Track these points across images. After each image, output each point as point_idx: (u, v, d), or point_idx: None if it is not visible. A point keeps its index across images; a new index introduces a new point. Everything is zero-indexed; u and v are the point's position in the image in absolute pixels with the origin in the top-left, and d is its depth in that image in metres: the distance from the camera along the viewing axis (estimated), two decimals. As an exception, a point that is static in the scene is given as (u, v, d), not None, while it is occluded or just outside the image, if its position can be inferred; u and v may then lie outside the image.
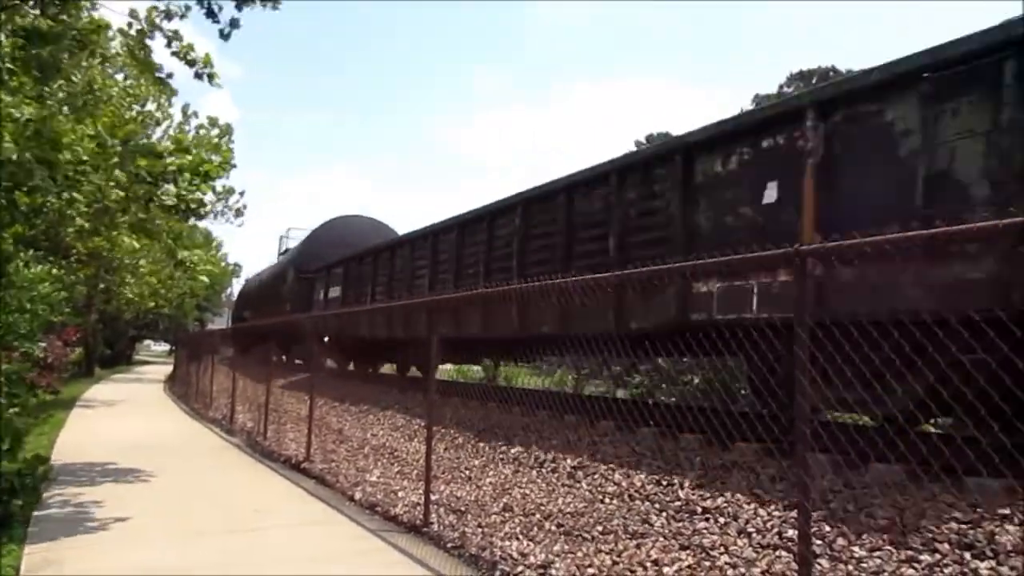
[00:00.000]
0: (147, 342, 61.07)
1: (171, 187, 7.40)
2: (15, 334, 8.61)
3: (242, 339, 18.95)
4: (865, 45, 79.12)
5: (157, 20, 6.73)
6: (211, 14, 6.35)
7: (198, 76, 6.80)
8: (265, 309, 24.41)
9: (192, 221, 9.54)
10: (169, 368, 32.14)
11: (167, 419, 14.46)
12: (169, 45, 6.72)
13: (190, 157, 7.86)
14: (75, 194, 7.31)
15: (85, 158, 6.81)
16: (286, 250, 29.94)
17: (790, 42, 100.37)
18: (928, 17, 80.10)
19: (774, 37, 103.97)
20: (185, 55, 6.72)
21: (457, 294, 8.83)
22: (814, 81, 36.89)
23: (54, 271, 11.08)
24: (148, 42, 6.87)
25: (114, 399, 17.87)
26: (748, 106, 39.33)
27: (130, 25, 6.80)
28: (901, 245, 2.88)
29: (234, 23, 6.42)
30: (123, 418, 13.94)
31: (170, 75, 7.37)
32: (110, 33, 7.08)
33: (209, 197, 8.10)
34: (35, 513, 6.02)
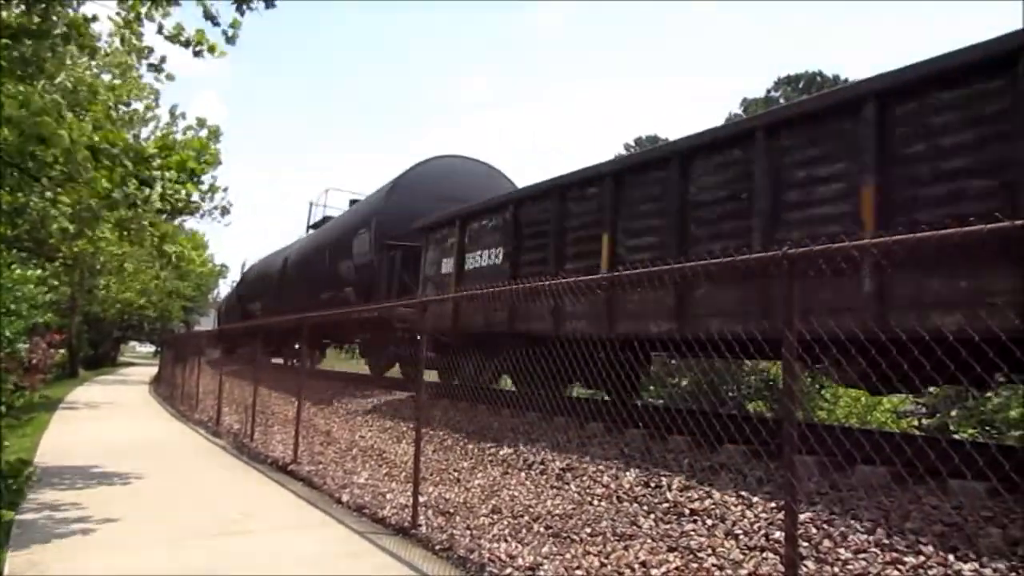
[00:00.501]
0: (132, 343, 60.58)
1: (156, 190, 7.30)
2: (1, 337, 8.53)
3: (271, 339, 15.26)
4: (853, 49, 79.79)
5: (143, 10, 6.67)
6: (209, 17, 6.30)
7: (197, 54, 6.73)
8: (299, 298, 18.50)
9: (179, 220, 9.40)
10: (154, 370, 31.89)
11: (152, 421, 14.33)
12: (160, 31, 6.66)
13: (176, 157, 7.80)
14: (60, 195, 7.23)
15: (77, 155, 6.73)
16: (323, 219, 22.80)
17: (779, 46, 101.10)
18: (919, 17, 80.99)
19: (766, 41, 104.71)
20: (177, 36, 6.67)
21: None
22: (801, 85, 37.19)
23: (39, 272, 10.98)
24: (138, 28, 6.81)
25: (98, 401, 17.70)
26: (737, 110, 39.57)
27: (119, 14, 6.74)
28: (888, 249, 2.90)
29: (235, 25, 6.38)
30: (108, 420, 13.81)
31: (163, 59, 7.30)
32: (97, 28, 6.99)
33: (195, 197, 8.01)
34: (18, 516, 5.95)
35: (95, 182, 6.82)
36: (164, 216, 7.75)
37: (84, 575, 4.52)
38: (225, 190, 8.69)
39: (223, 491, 7.35)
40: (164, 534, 5.48)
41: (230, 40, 6.43)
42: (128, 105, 9.20)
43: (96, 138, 6.91)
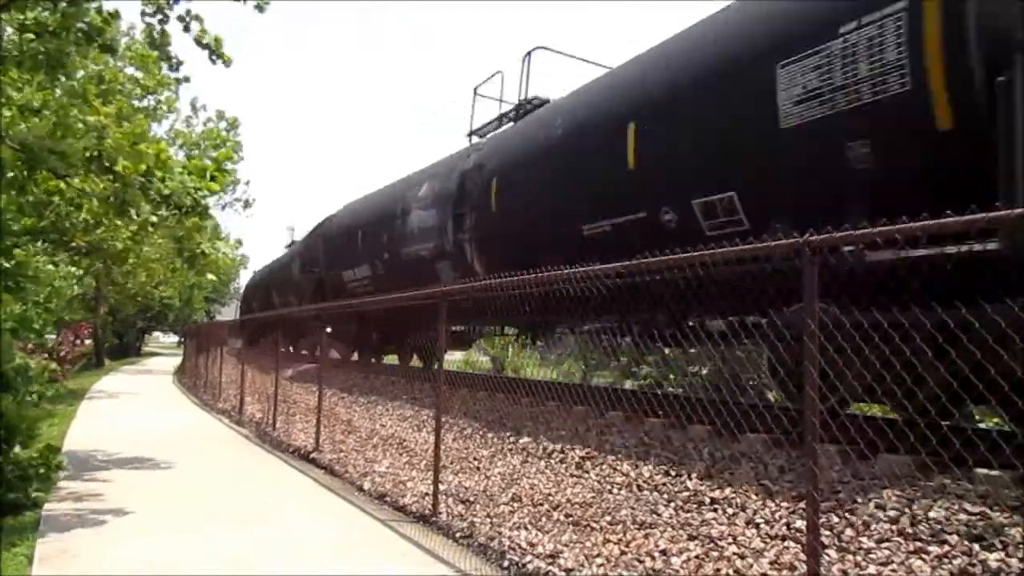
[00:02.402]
0: (156, 334, 61.45)
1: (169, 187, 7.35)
2: (30, 328, 8.67)
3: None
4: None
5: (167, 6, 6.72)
6: None
7: (212, 59, 6.81)
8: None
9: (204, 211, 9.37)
10: (178, 360, 32.31)
11: (177, 410, 14.55)
12: (187, 30, 6.71)
13: (194, 161, 7.89)
14: (86, 187, 7.32)
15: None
16: None
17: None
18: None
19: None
20: (201, 39, 6.73)
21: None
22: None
23: (71, 269, 11.16)
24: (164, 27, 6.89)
25: (124, 390, 17.99)
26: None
27: (145, 13, 6.82)
28: (911, 234, 2.86)
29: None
30: (133, 409, 14.04)
31: (181, 62, 7.40)
32: (124, 26, 7.10)
33: (212, 199, 8.08)
34: (47, 503, 6.08)
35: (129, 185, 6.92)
36: (184, 212, 7.78)
37: (112, 561, 4.60)
38: (248, 183, 8.83)
39: (247, 479, 7.45)
40: (190, 522, 5.57)
41: (260, 8, 6.55)
42: (142, 98, 9.29)
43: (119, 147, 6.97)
